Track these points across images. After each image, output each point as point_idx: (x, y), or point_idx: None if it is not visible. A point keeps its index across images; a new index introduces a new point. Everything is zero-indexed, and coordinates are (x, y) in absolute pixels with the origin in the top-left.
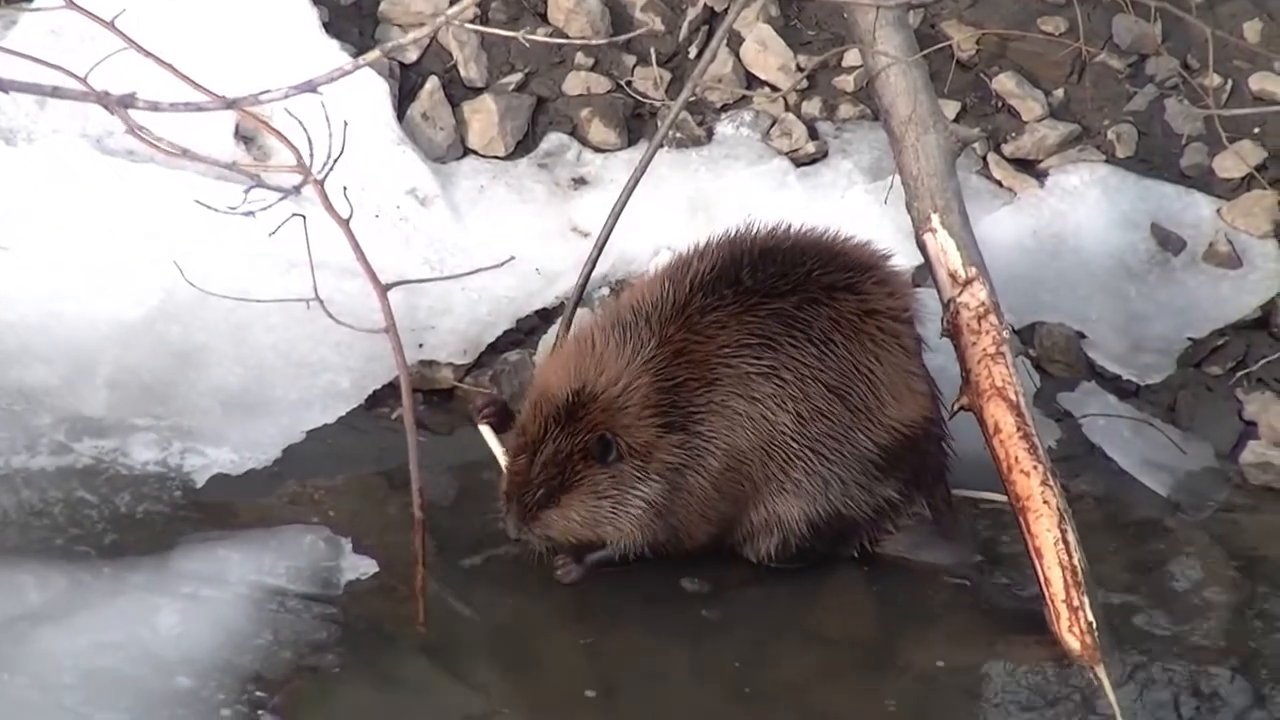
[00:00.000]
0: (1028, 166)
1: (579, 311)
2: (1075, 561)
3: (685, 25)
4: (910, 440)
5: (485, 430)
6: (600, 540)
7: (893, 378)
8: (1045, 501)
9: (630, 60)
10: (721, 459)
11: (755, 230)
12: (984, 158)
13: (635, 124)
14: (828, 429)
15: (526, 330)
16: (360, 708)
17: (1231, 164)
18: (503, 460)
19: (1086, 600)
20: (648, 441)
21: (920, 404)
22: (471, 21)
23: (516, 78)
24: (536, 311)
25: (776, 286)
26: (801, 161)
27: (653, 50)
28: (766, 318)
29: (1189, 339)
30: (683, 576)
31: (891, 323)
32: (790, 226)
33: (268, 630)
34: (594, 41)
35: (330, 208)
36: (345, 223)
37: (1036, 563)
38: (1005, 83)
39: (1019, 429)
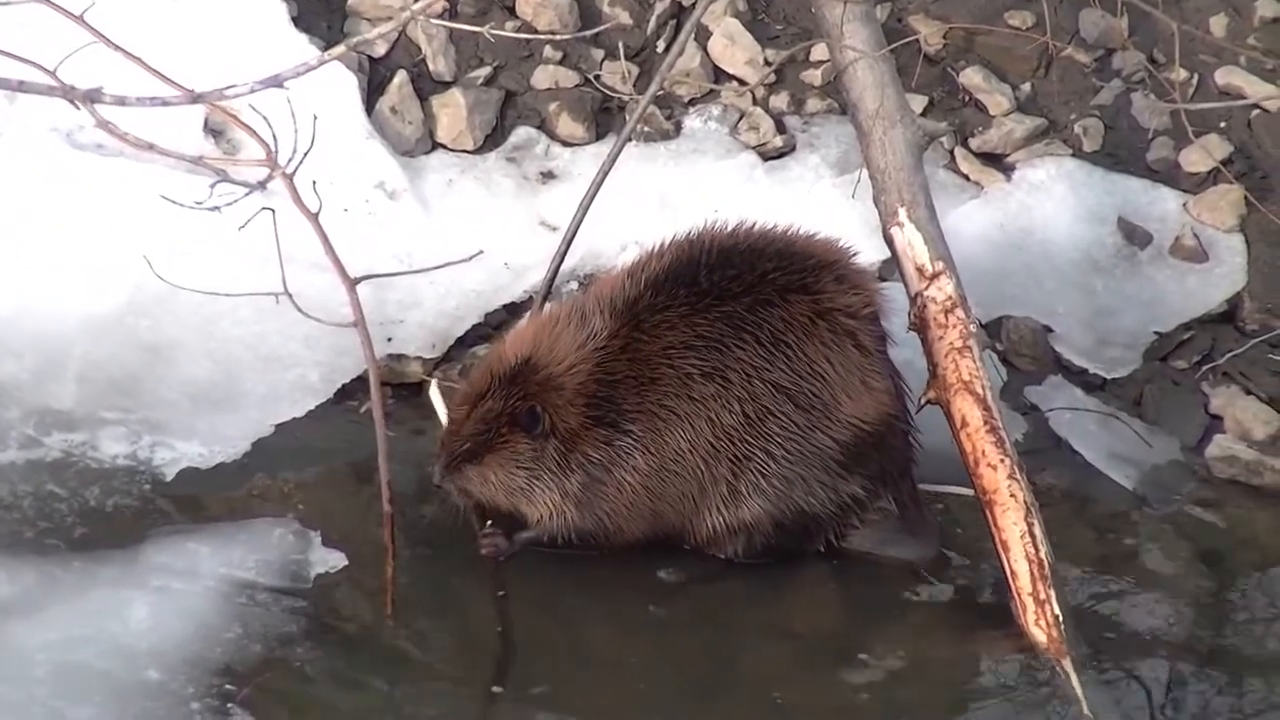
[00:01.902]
0: (995, 160)
1: (547, 306)
2: (1042, 555)
3: (653, 19)
4: (873, 436)
5: (434, 394)
6: (519, 514)
7: (846, 376)
8: (1012, 495)
9: (598, 54)
10: (653, 459)
11: (718, 229)
12: (951, 151)
13: (603, 118)
14: (780, 428)
15: (495, 324)
16: (329, 700)
17: (1198, 158)
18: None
19: (1053, 593)
20: (573, 429)
21: (879, 400)
22: (439, 16)
23: (485, 71)
24: (505, 305)
25: (730, 288)
26: (769, 155)
27: (621, 44)
28: (716, 320)
29: (1155, 333)
30: (660, 568)
31: (847, 320)
32: (754, 225)
33: (237, 623)
34: (562, 35)
35: (299, 201)
36: (314, 216)
37: (1003, 556)
38: (972, 77)
39: (986, 422)
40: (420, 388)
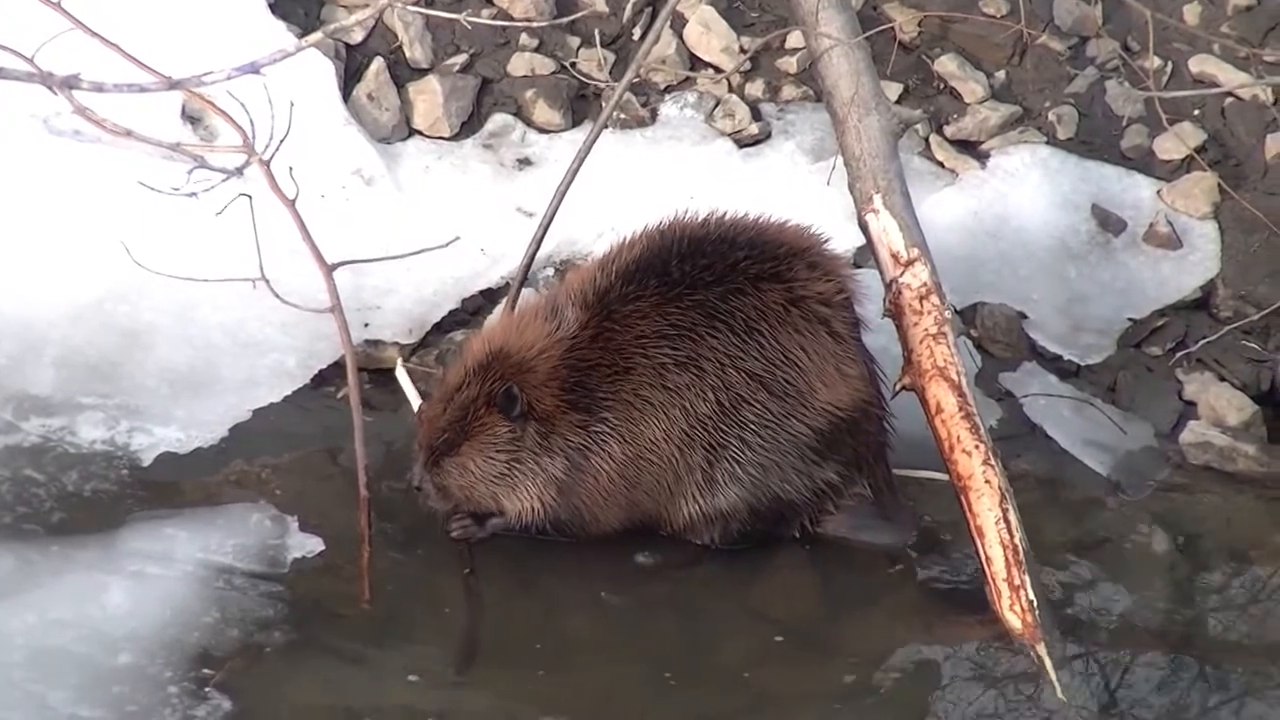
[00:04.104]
0: (969, 148)
1: (524, 292)
2: (1016, 540)
3: (629, 7)
4: (847, 422)
5: (401, 375)
6: (498, 507)
7: (821, 363)
8: (987, 481)
9: (574, 42)
10: (629, 448)
11: (688, 219)
12: (926, 139)
13: (580, 105)
14: (755, 416)
15: (471, 310)
16: (306, 684)
17: (1171, 146)
18: (415, 404)
19: (1027, 579)
20: (549, 412)
21: (853, 386)
22: (416, 2)
23: (461, 59)
24: (481, 291)
25: (702, 277)
26: (745, 143)
27: (597, 32)
28: (689, 309)
29: (1129, 319)
30: (636, 552)
31: (820, 308)
32: (725, 214)
33: (215, 608)
34: (538, 23)
35: (276, 188)
36: (291, 203)
37: (978, 542)
38: (947, 64)
39: (961, 409)
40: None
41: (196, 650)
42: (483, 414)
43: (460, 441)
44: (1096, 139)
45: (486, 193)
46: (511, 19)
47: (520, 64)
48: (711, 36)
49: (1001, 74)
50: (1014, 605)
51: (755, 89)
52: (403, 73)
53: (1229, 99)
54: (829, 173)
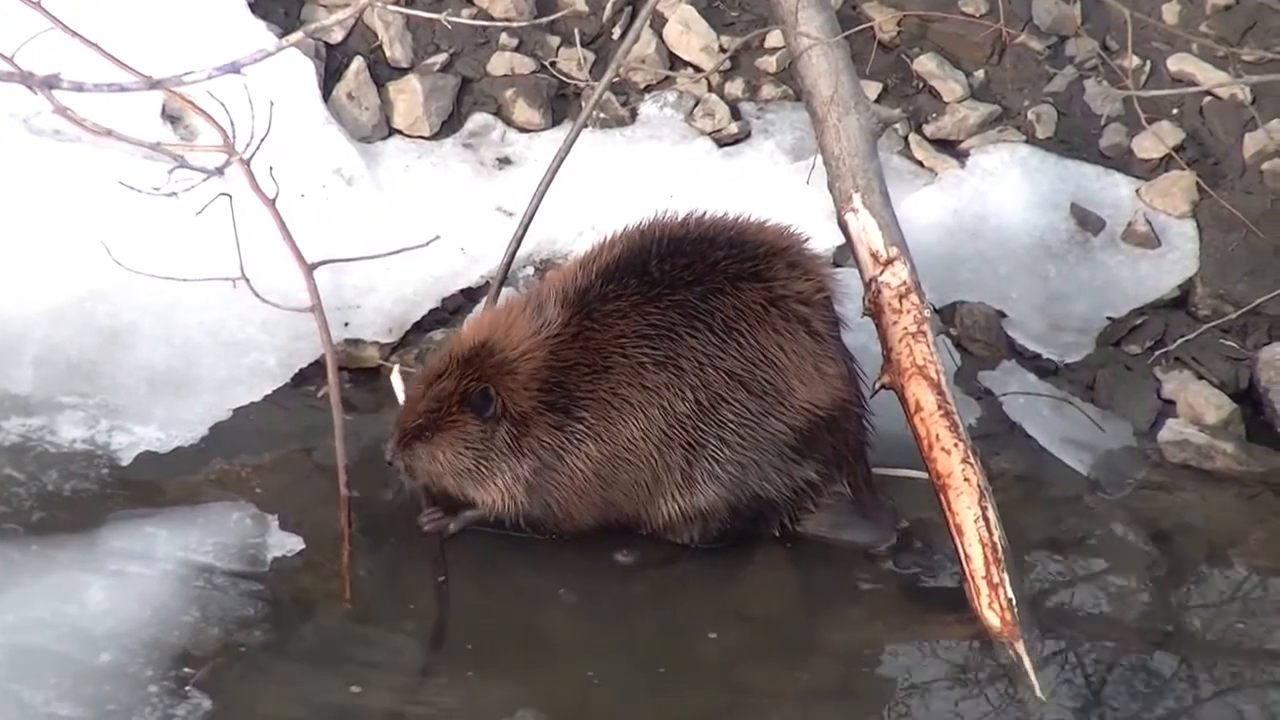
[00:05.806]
0: (949, 147)
1: (504, 291)
2: (995, 539)
3: (609, 6)
4: (826, 421)
5: (396, 381)
6: (466, 499)
7: (800, 361)
8: (966, 479)
9: (554, 41)
10: (605, 447)
11: (668, 219)
12: (905, 138)
13: (559, 104)
14: (734, 415)
15: (451, 309)
16: (287, 683)
17: (1150, 145)
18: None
19: (1006, 577)
20: (525, 413)
21: (832, 385)
22: (396, 2)
23: (441, 58)
24: (461, 291)
25: (682, 277)
26: (724, 142)
27: (577, 31)
28: (668, 308)
29: (1108, 318)
30: (615, 550)
31: (800, 307)
32: (704, 214)
33: (195, 607)
34: (518, 23)
35: (256, 187)
36: (271, 202)
37: (957, 540)
38: (926, 64)
39: (940, 407)
40: (378, 372)
41: (177, 649)
42: (455, 410)
43: (432, 430)
44: (1075, 138)
45: (466, 192)
46: (491, 18)
47: (500, 63)
48: (691, 36)
49: (980, 73)
50: (993, 603)
51: (735, 88)
52: (383, 72)
53: (1207, 98)
54: (808, 172)
